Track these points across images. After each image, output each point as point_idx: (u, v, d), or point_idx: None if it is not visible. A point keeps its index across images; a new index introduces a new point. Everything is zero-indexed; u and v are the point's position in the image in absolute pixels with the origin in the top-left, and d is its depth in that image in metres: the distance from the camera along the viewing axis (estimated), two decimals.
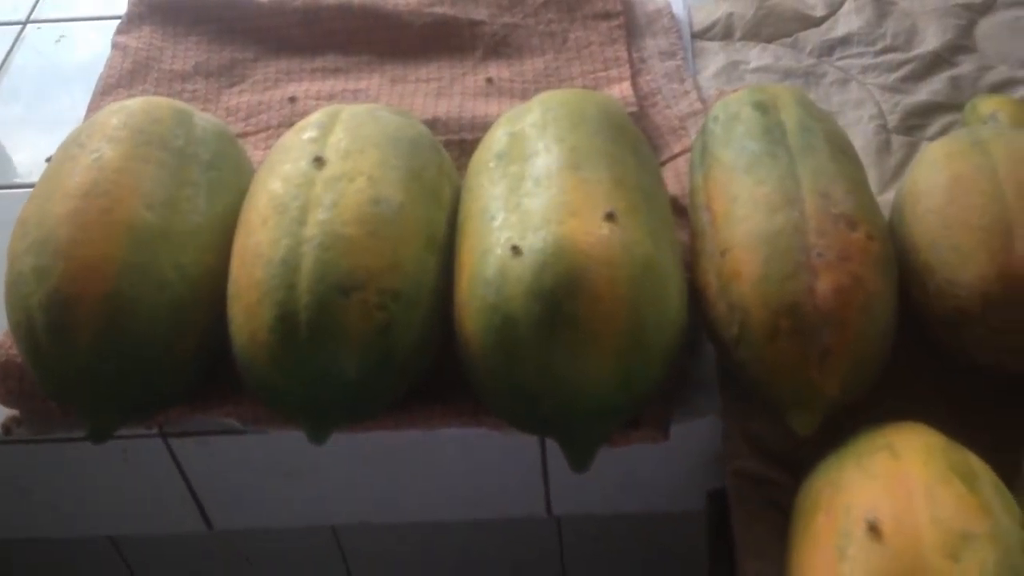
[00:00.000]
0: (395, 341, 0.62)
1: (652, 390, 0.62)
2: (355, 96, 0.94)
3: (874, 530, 0.51)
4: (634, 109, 0.88)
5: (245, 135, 0.91)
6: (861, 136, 0.86)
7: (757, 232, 0.63)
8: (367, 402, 0.63)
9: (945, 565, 0.49)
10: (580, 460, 0.61)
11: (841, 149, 0.68)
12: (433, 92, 0.94)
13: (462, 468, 0.78)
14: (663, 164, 0.86)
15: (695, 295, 0.67)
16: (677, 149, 0.86)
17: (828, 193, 0.64)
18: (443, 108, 0.91)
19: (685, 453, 0.74)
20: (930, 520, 0.50)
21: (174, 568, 1.25)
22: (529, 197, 0.63)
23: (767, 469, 0.65)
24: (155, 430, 0.72)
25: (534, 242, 0.60)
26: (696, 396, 0.71)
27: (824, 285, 0.60)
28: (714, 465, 0.72)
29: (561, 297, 0.57)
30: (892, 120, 0.87)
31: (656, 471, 0.77)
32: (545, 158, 0.65)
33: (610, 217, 0.60)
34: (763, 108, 0.71)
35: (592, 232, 0.60)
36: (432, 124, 0.89)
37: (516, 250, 0.60)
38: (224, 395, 0.70)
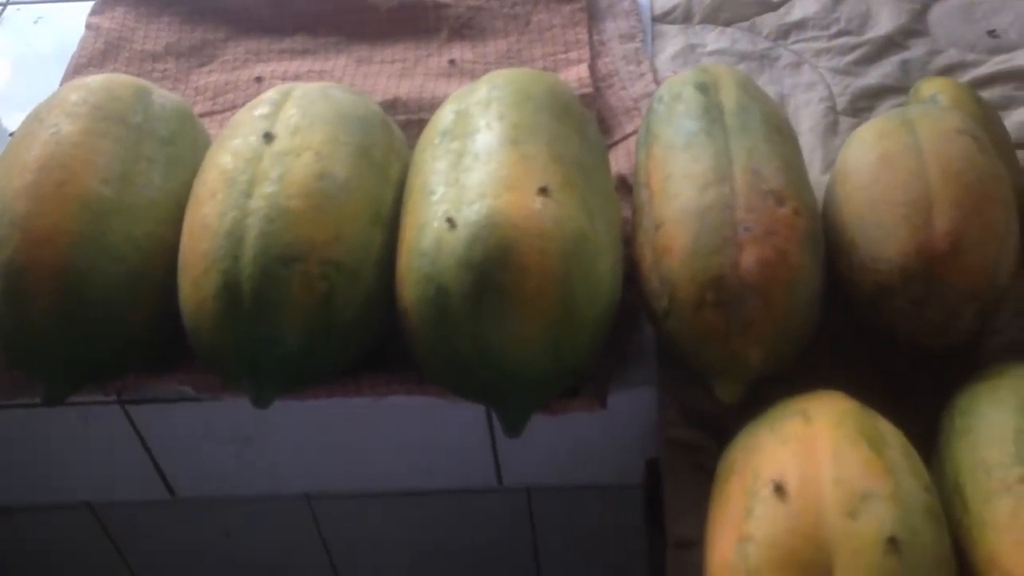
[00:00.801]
0: (337, 311, 0.64)
1: (584, 360, 0.64)
2: (320, 76, 0.96)
3: (780, 490, 0.53)
4: (589, 90, 0.90)
5: (212, 114, 0.94)
6: (810, 118, 0.88)
7: (688, 208, 0.65)
8: (310, 370, 0.66)
9: (843, 523, 0.51)
10: (513, 425, 0.64)
11: (776, 129, 0.70)
12: (396, 73, 0.96)
13: (414, 438, 0.80)
14: (616, 143, 0.88)
15: (633, 269, 0.69)
16: (629, 129, 0.88)
17: (759, 170, 0.66)
18: (404, 89, 0.93)
19: (628, 424, 0.76)
20: (833, 481, 0.53)
21: (153, 540, 1.28)
22: (468, 172, 0.65)
23: (699, 437, 0.68)
24: (113, 397, 0.75)
25: (469, 215, 0.62)
26: (636, 368, 0.74)
27: (749, 259, 0.62)
28: (655, 436, 0.75)
29: (491, 268, 0.60)
30: (841, 102, 0.89)
31: (602, 442, 0.79)
32: (485, 134, 0.67)
33: (543, 191, 0.62)
34: (704, 88, 0.73)
35: (525, 206, 0.62)
36: (393, 104, 0.91)
37: (451, 223, 0.62)
38: (179, 363, 0.72)
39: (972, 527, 0.55)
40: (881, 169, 0.66)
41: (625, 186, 0.81)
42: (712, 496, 0.59)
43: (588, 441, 0.79)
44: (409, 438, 0.80)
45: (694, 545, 0.60)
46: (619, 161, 0.85)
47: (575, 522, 1.20)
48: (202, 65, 1.00)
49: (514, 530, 1.24)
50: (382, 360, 0.72)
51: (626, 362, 0.74)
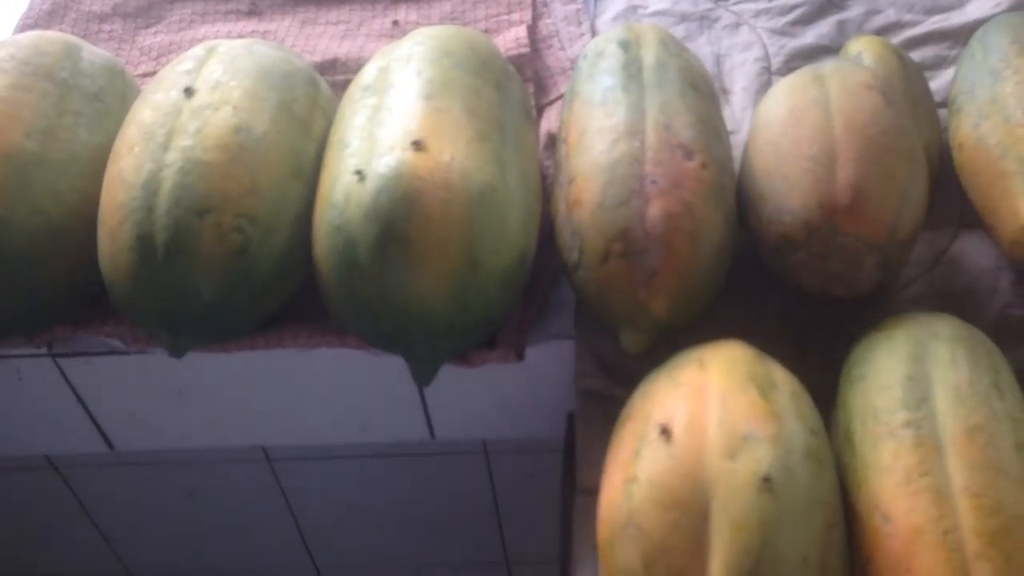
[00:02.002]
0: (252, 263, 0.65)
1: (492, 311, 0.65)
2: (264, 37, 0.97)
3: (665, 433, 0.54)
4: (526, 50, 0.91)
5: (155, 74, 0.94)
6: (744, 78, 0.88)
7: (599, 161, 0.66)
8: (226, 322, 0.67)
9: (722, 463, 0.52)
10: (423, 375, 0.65)
11: (692, 85, 0.71)
12: (339, 34, 0.97)
13: (345, 391, 0.82)
14: (551, 103, 0.89)
15: (551, 219, 0.70)
16: (564, 89, 0.89)
17: (670, 125, 0.67)
18: (344, 49, 0.94)
19: (552, 377, 0.77)
20: (717, 423, 0.54)
21: (120, 503, 1.30)
22: (381, 126, 0.66)
23: (611, 387, 0.69)
24: (44, 349, 0.76)
25: (377, 167, 0.63)
26: (557, 321, 0.75)
27: (654, 211, 0.63)
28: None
29: (395, 219, 0.61)
30: (776, 62, 0.90)
31: (529, 396, 0.81)
32: (400, 89, 0.68)
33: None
34: (626, 45, 0.74)
35: (433, 160, 0.63)
36: (332, 64, 0.92)
37: (360, 175, 0.63)
38: (106, 316, 0.73)
39: (858, 470, 0.56)
40: (789, 123, 0.67)
41: (555, 144, 0.82)
42: (611, 442, 0.60)
43: (515, 395, 0.81)
44: (340, 392, 0.81)
45: (599, 491, 0.62)
46: (552, 120, 0.86)
47: (527, 476, 1.22)
48: (148, 26, 1.00)
49: (474, 486, 1.26)
50: (309, 312, 0.73)
51: (546, 315, 0.75)
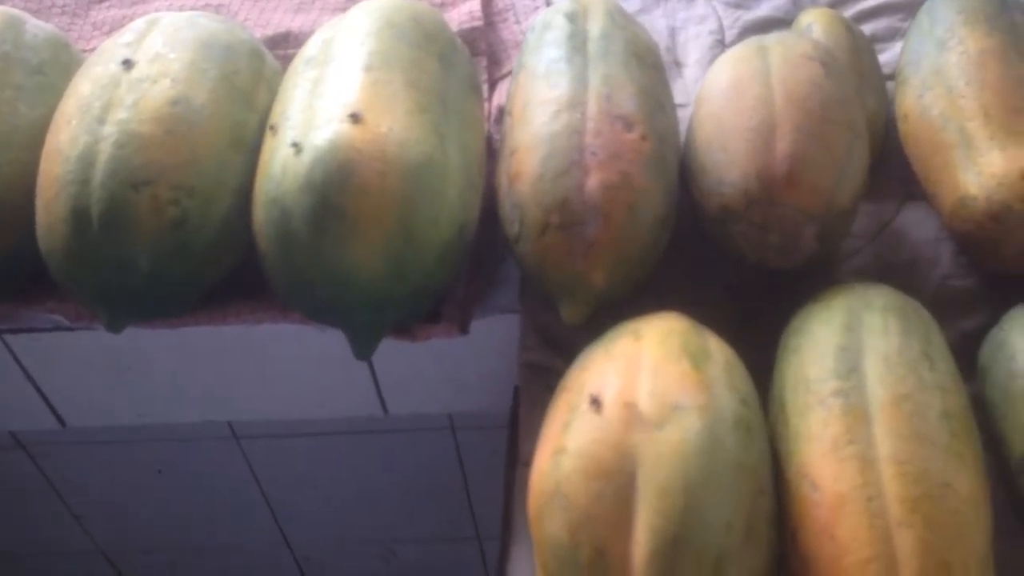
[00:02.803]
0: (190, 236, 0.65)
1: (430, 282, 0.65)
2: (217, 11, 0.96)
3: (595, 403, 0.54)
4: (479, 23, 0.90)
5: None
6: (697, 50, 0.88)
7: (539, 133, 0.66)
8: (164, 295, 0.66)
9: (649, 433, 0.52)
10: (362, 348, 0.65)
11: (637, 56, 0.71)
12: (293, 7, 0.96)
13: (294, 367, 0.82)
14: (504, 77, 0.88)
15: (495, 196, 0.70)
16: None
17: (611, 96, 0.67)
18: (298, 23, 0.93)
19: (499, 351, 0.77)
20: (647, 394, 0.54)
21: (89, 482, 1.30)
22: (320, 98, 0.66)
23: (553, 360, 0.69)
24: None
25: (314, 139, 0.62)
26: (503, 295, 0.75)
27: (593, 182, 0.63)
28: None
29: (330, 191, 0.60)
30: (730, 35, 0.89)
31: (478, 370, 0.81)
32: (341, 61, 0.68)
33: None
34: (573, 17, 0.73)
35: (370, 131, 0.62)
36: (285, 38, 0.91)
37: (297, 147, 0.63)
38: (50, 291, 0.73)
39: (789, 439, 0.57)
40: (731, 95, 0.67)
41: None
42: (547, 413, 0.60)
43: (465, 369, 0.81)
44: (289, 368, 0.82)
45: None
46: (504, 94, 0.85)
47: (492, 453, 1.22)
48: (101, 0, 0.99)
49: (443, 462, 1.26)
50: (253, 287, 0.73)
51: (494, 290, 0.75)
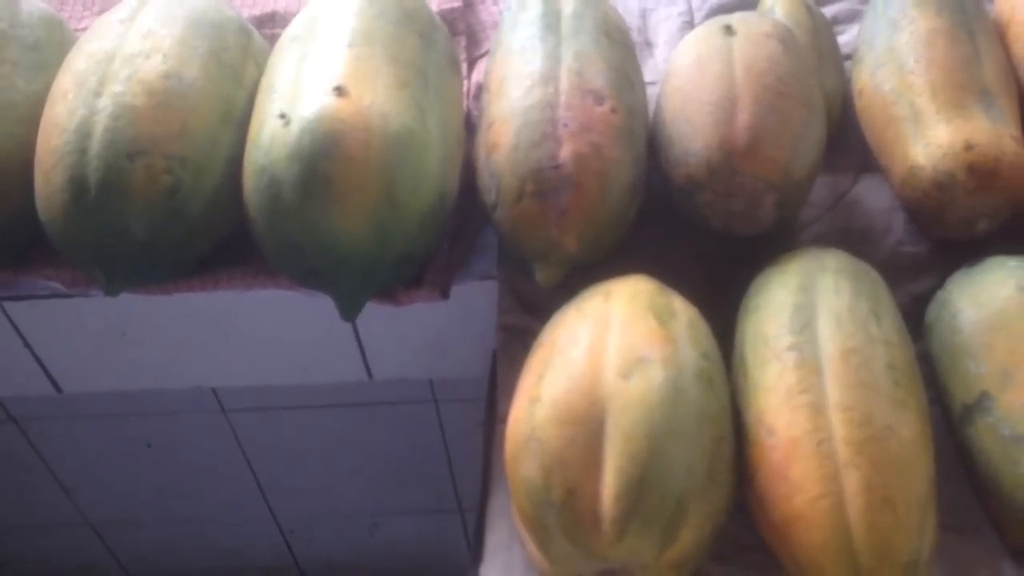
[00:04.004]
0: (183, 204, 0.68)
1: (412, 248, 0.68)
2: None
3: (567, 356, 0.58)
4: (458, 4, 0.93)
5: None
6: (667, 32, 0.92)
7: (515, 106, 0.69)
8: (160, 261, 0.70)
9: (617, 383, 0.56)
10: (348, 310, 0.69)
11: (607, 34, 0.74)
12: None
13: (282, 333, 0.85)
14: (483, 56, 0.92)
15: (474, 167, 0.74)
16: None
17: (582, 72, 0.70)
18: (283, 4, 0.96)
19: (479, 316, 0.81)
20: (615, 347, 0.58)
21: (79, 455, 1.32)
22: (305, 73, 0.69)
23: (529, 322, 0.72)
24: None
25: (300, 111, 0.66)
26: (482, 262, 0.78)
27: (565, 152, 0.67)
28: None
29: (317, 159, 0.64)
30: (698, 17, 0.93)
31: (459, 335, 0.84)
32: (325, 38, 0.71)
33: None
34: None
35: (353, 103, 0.66)
36: (271, 18, 0.94)
37: (284, 118, 0.66)
38: (48, 259, 0.76)
39: (748, 391, 0.61)
40: (695, 70, 0.70)
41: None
42: (522, 373, 0.64)
43: (446, 334, 0.84)
44: (278, 333, 0.85)
45: None
46: (482, 72, 0.89)
47: (475, 424, 1.26)
48: None
49: (427, 435, 1.30)
50: (244, 255, 0.76)
51: (473, 257, 0.78)
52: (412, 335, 0.85)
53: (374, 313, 0.74)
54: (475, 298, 0.79)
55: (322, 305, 0.82)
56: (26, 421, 1.24)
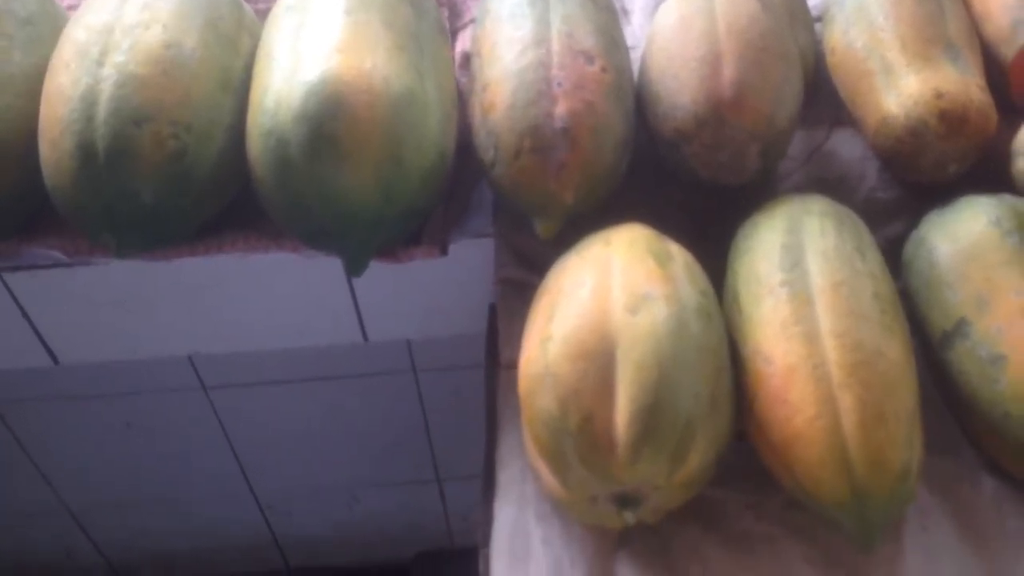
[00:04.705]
0: (189, 169, 0.70)
1: (416, 204, 0.71)
2: None
3: (576, 296, 0.61)
4: None
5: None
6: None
7: (509, 68, 0.72)
8: (167, 225, 0.71)
9: (625, 318, 0.60)
10: (355, 264, 0.71)
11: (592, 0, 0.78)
12: None
13: (281, 297, 0.87)
14: (464, 26, 0.94)
15: (469, 128, 0.76)
16: (475, 14, 0.94)
17: (572, 34, 0.73)
18: None
19: (474, 274, 0.84)
20: (620, 287, 0.61)
21: (59, 439, 1.32)
22: (305, 40, 0.71)
23: (526, 275, 0.76)
24: None
25: (304, 74, 0.68)
26: (477, 221, 0.81)
27: (560, 110, 0.70)
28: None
29: (324, 119, 0.66)
30: None
31: (453, 294, 0.87)
32: (321, 8, 0.73)
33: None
34: None
35: (355, 67, 0.68)
36: None
37: (288, 82, 0.68)
38: (48, 229, 0.77)
39: (743, 325, 0.64)
40: (679, 29, 0.74)
41: (469, 61, 0.88)
42: (528, 318, 0.67)
43: (441, 293, 0.87)
44: (277, 297, 0.87)
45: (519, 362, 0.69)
46: (465, 42, 0.91)
47: (453, 393, 1.29)
48: None
49: (405, 407, 1.32)
50: (245, 223, 0.78)
51: (467, 216, 0.81)
52: (407, 295, 0.87)
53: (370, 274, 0.76)
54: (470, 256, 0.82)
55: (318, 268, 0.84)
56: (4, 405, 1.24)
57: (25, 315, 0.85)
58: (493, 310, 0.81)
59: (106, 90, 0.69)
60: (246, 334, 0.92)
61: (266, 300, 0.87)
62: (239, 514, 1.53)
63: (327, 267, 0.84)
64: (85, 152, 0.68)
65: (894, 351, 0.61)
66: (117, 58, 0.70)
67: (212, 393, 1.30)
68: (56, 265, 0.80)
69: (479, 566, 0.67)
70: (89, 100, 0.69)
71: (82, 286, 0.83)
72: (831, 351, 0.60)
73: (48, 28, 0.79)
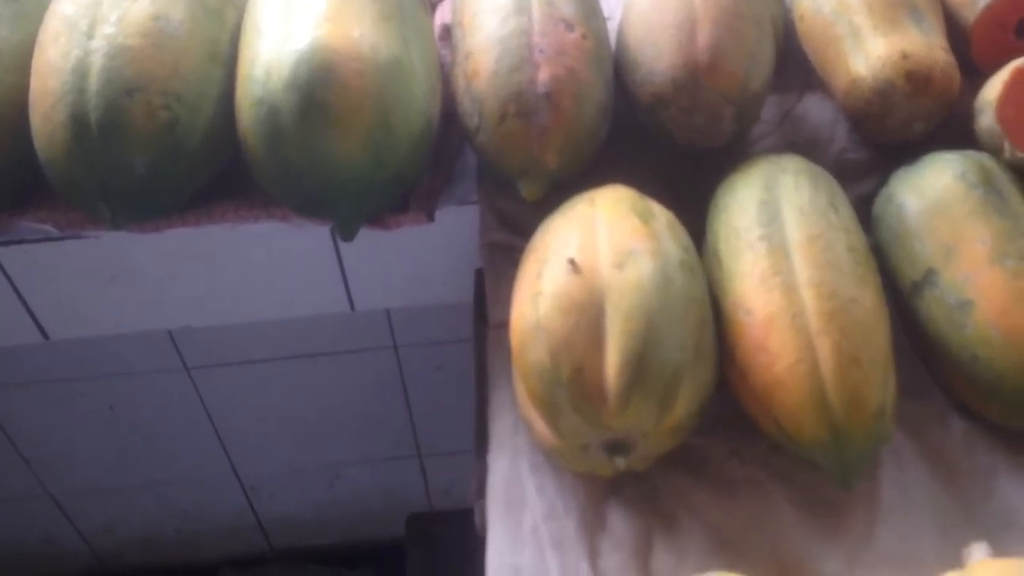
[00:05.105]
0: (181, 139, 0.71)
1: (405, 170, 0.73)
2: None
3: (561, 254, 0.64)
4: None
5: None
6: None
7: (492, 36, 0.74)
8: (160, 194, 0.73)
9: (612, 273, 0.62)
10: (347, 230, 0.73)
11: None
12: None
13: (270, 267, 0.89)
14: (441, 0, 0.96)
15: (452, 97, 0.78)
16: None
17: (552, 2, 0.76)
18: None
19: (459, 240, 0.86)
20: (607, 243, 0.64)
21: (41, 424, 1.33)
22: (292, 11, 0.73)
23: (511, 238, 0.78)
24: None
25: (294, 44, 0.70)
26: (462, 189, 0.83)
27: (543, 76, 0.72)
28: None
29: (314, 86, 0.68)
30: None
31: (439, 260, 0.89)
32: None
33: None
34: None
35: (344, 35, 0.70)
36: None
37: (278, 52, 0.70)
38: (39, 203, 0.78)
39: (724, 279, 0.67)
40: None
41: (450, 34, 0.90)
42: (517, 277, 0.69)
43: (426, 261, 0.89)
44: (266, 267, 0.88)
45: (508, 324, 0.71)
46: (443, 15, 0.93)
47: (435, 369, 1.31)
48: None
49: (386, 384, 1.33)
50: (234, 194, 0.80)
51: (452, 184, 0.83)
52: (393, 263, 0.89)
53: (357, 242, 0.78)
54: (454, 223, 0.84)
55: (306, 238, 0.86)
56: None
57: (15, 290, 0.86)
58: (480, 274, 0.83)
59: (97, 62, 0.70)
60: (235, 306, 0.93)
61: (255, 271, 0.89)
62: (222, 496, 1.54)
63: (315, 237, 0.86)
64: (78, 123, 0.69)
65: (868, 299, 0.64)
66: (106, 30, 0.71)
67: (194, 373, 1.31)
68: (46, 239, 0.81)
69: (475, 518, 0.70)
70: (80, 72, 0.70)
71: (72, 260, 0.84)
72: (808, 300, 0.63)
73: (33, 4, 0.80)
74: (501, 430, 0.69)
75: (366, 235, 0.77)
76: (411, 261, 0.89)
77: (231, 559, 1.67)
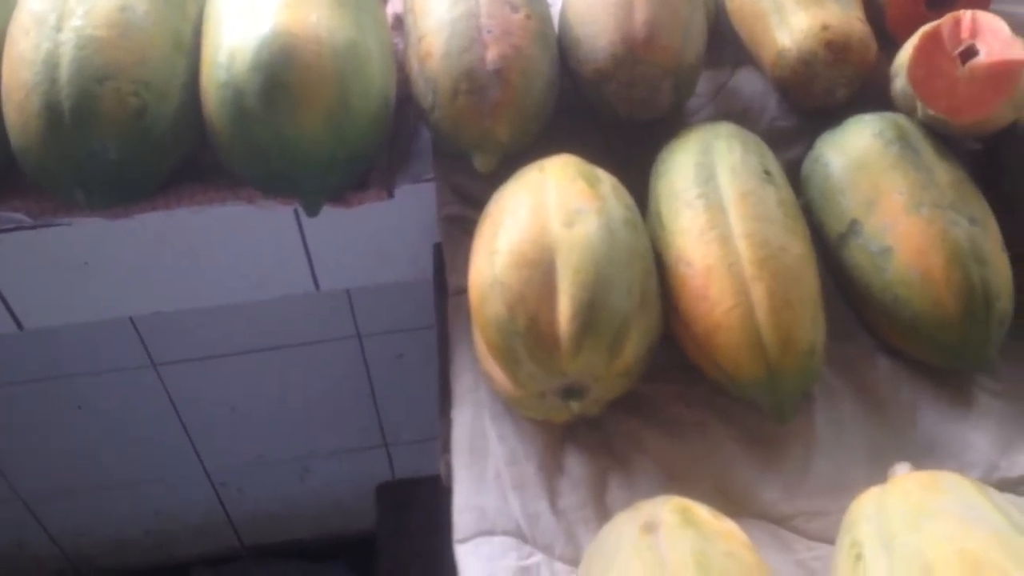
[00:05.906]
0: (150, 125, 0.75)
1: (365, 146, 0.77)
2: None
3: (516, 215, 0.68)
4: None
5: None
6: None
7: (442, 20, 0.79)
8: (132, 179, 0.76)
9: (562, 230, 0.67)
10: (311, 206, 0.77)
11: None
12: None
13: (237, 249, 0.92)
14: None
15: (406, 82, 0.83)
16: None
17: None
18: None
19: (418, 217, 0.90)
20: (556, 204, 0.69)
21: (7, 425, 1.34)
22: (254, 1, 0.77)
23: (467, 210, 0.82)
24: None
25: (256, 29, 0.74)
26: (419, 167, 0.88)
27: (492, 54, 0.77)
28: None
29: (276, 68, 0.72)
30: None
31: (399, 238, 0.94)
32: None
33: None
34: None
35: (302, 20, 0.74)
36: None
37: (241, 37, 0.74)
38: (11, 191, 0.81)
39: (666, 237, 0.72)
40: None
41: (402, 23, 0.94)
42: (473, 241, 0.74)
43: (387, 238, 0.93)
44: (233, 249, 0.92)
45: (467, 290, 0.75)
46: (395, 6, 0.98)
47: (397, 357, 1.34)
48: None
49: (351, 374, 1.36)
50: (201, 179, 0.83)
51: (408, 163, 0.87)
52: (355, 242, 0.93)
53: (320, 222, 0.82)
54: (412, 200, 0.88)
55: (271, 220, 0.90)
56: None
57: None
58: (439, 248, 0.87)
59: (67, 52, 0.73)
60: (205, 290, 0.97)
61: (222, 254, 0.92)
62: (192, 494, 1.55)
63: (280, 219, 0.90)
64: (51, 111, 0.72)
65: (797, 247, 0.69)
66: (75, 23, 0.75)
67: (161, 370, 1.33)
68: (18, 228, 0.84)
69: (440, 472, 0.74)
70: (51, 63, 0.73)
71: (44, 248, 0.87)
72: (743, 250, 0.68)
73: (2, 2, 0.83)
74: (463, 387, 0.74)
75: (329, 215, 0.81)
76: (372, 239, 0.93)
77: (203, 558, 1.69)
